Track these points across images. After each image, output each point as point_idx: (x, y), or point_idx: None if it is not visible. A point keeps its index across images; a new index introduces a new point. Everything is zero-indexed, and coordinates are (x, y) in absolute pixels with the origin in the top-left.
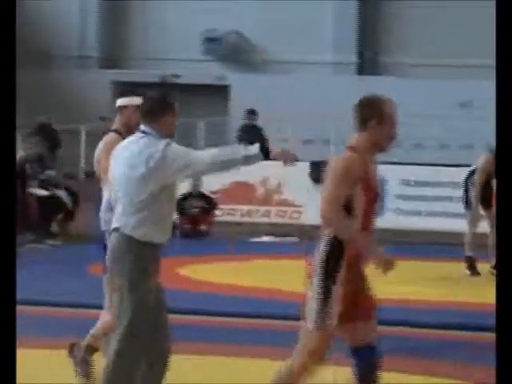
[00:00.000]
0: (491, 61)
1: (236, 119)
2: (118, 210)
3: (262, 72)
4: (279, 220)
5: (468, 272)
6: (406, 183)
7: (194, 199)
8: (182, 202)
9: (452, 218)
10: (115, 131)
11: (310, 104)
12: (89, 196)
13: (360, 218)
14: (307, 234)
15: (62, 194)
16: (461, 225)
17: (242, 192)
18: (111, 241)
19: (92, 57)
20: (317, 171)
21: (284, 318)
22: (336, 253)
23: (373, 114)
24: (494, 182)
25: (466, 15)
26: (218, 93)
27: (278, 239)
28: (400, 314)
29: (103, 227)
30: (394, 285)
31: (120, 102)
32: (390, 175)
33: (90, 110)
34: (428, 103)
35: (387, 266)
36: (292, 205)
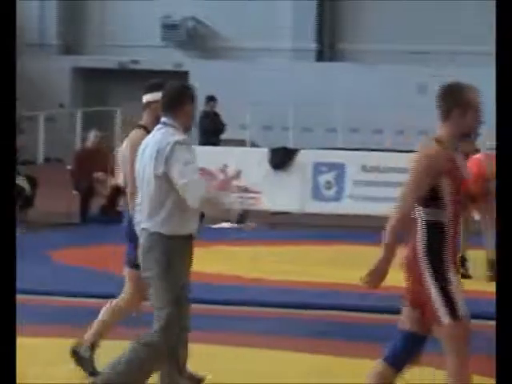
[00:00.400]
0: (447, 46)
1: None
2: (143, 208)
3: (220, 58)
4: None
5: None
6: (366, 169)
7: None
8: None
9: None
10: (142, 127)
11: (269, 90)
12: (47, 181)
13: (449, 207)
14: (266, 220)
15: (20, 180)
16: None
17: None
18: (142, 240)
19: (51, 44)
20: (276, 157)
21: (244, 304)
22: (438, 238)
23: (456, 103)
24: None
25: (421, 2)
26: (177, 79)
27: (238, 225)
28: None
29: (137, 229)
30: (348, 270)
31: (148, 97)
32: (350, 161)
33: (50, 96)
34: (386, 89)
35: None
36: (251, 191)
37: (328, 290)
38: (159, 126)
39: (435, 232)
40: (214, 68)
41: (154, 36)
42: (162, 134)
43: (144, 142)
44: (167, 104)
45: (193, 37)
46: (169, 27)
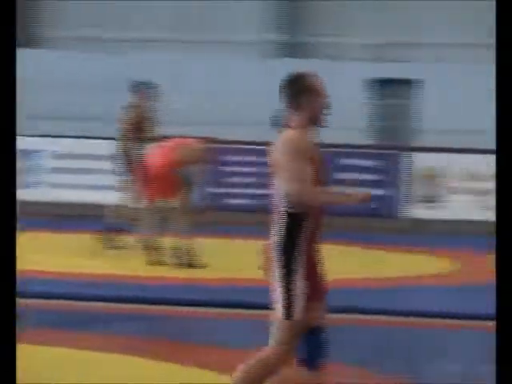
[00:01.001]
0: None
1: None
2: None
3: None
4: None
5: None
6: (57, 156)
7: None
8: None
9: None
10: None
11: None
12: None
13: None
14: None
15: None
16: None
17: None
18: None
19: None
20: None
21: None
22: (295, 232)
23: (302, 90)
24: None
25: None
26: None
27: None
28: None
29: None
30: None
31: None
32: (43, 148)
33: None
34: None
35: (366, 199)
36: None
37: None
38: None
39: (292, 222)
40: None
41: None
42: None
43: None
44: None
45: None
46: None
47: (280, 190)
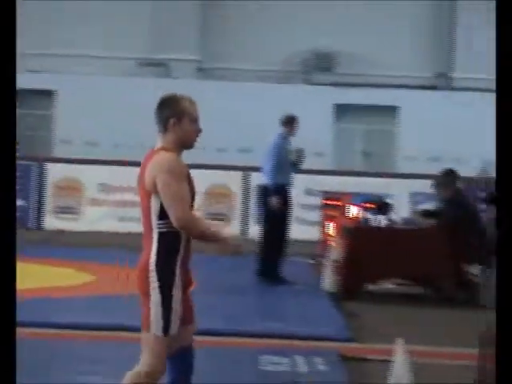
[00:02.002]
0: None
1: None
2: None
3: None
4: None
5: None
6: None
7: None
8: None
9: None
10: None
11: None
12: None
13: None
14: None
15: None
16: None
17: None
18: None
19: None
20: None
21: None
22: (171, 252)
23: (172, 113)
24: None
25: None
26: None
27: None
28: None
29: None
30: None
31: None
32: None
33: None
34: None
35: (237, 250)
36: None
37: None
38: None
39: (168, 242)
40: None
41: None
42: None
43: None
44: None
45: None
46: None
47: (155, 210)
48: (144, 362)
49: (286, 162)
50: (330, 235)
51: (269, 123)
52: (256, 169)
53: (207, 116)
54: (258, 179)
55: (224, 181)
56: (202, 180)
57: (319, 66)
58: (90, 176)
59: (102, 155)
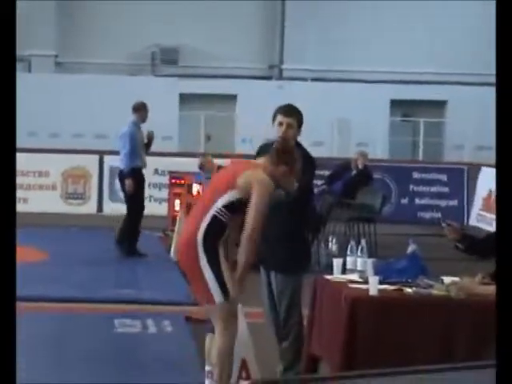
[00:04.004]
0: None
1: None
2: None
3: None
4: None
5: None
6: None
7: None
8: None
9: None
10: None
11: None
12: None
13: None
14: None
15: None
16: None
17: None
18: None
19: None
20: None
21: None
22: (216, 234)
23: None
24: None
25: None
26: None
27: None
28: None
29: None
30: None
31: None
32: None
33: None
34: None
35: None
36: None
37: None
38: None
39: (217, 225)
40: None
41: None
42: None
43: None
44: None
45: None
46: None
47: (225, 200)
48: (220, 330)
49: (139, 146)
50: (176, 211)
51: (121, 112)
52: (110, 152)
53: (65, 106)
54: (112, 161)
55: (81, 163)
56: (61, 162)
57: (165, 60)
58: None
59: None
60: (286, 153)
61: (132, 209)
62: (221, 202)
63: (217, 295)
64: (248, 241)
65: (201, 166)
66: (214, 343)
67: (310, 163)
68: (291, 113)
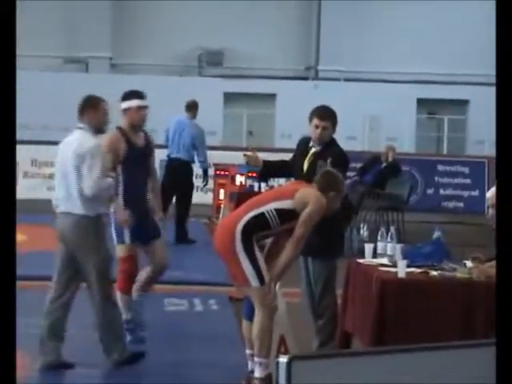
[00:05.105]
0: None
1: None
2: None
3: None
4: None
5: None
6: None
7: None
8: None
9: None
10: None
11: None
12: None
13: None
14: None
15: None
16: None
17: None
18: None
19: None
20: None
21: None
22: (256, 228)
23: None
24: None
25: None
26: None
27: None
28: None
29: None
30: None
31: (124, 104)
32: None
33: None
34: None
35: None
36: None
37: None
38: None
39: (261, 221)
40: None
41: None
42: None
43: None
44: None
45: None
46: None
47: (279, 204)
48: (259, 309)
49: (196, 139)
50: (220, 199)
51: (171, 109)
52: (160, 146)
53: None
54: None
55: None
56: None
57: (211, 62)
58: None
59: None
60: (332, 182)
61: (182, 201)
62: (275, 205)
63: (253, 279)
64: (294, 245)
65: (247, 162)
66: (252, 328)
67: (343, 160)
68: (325, 116)
